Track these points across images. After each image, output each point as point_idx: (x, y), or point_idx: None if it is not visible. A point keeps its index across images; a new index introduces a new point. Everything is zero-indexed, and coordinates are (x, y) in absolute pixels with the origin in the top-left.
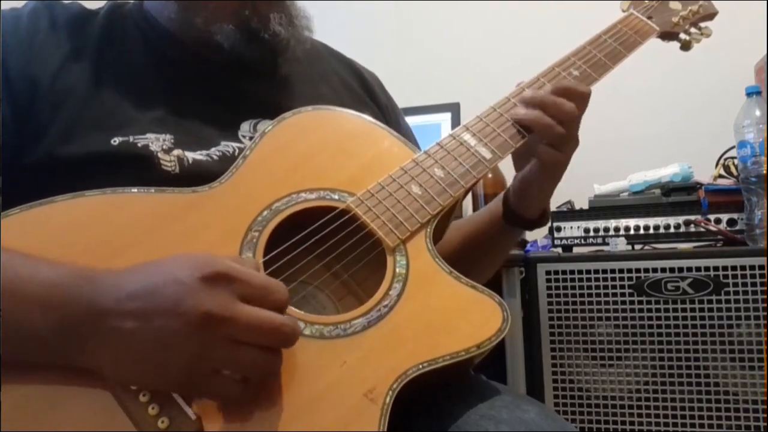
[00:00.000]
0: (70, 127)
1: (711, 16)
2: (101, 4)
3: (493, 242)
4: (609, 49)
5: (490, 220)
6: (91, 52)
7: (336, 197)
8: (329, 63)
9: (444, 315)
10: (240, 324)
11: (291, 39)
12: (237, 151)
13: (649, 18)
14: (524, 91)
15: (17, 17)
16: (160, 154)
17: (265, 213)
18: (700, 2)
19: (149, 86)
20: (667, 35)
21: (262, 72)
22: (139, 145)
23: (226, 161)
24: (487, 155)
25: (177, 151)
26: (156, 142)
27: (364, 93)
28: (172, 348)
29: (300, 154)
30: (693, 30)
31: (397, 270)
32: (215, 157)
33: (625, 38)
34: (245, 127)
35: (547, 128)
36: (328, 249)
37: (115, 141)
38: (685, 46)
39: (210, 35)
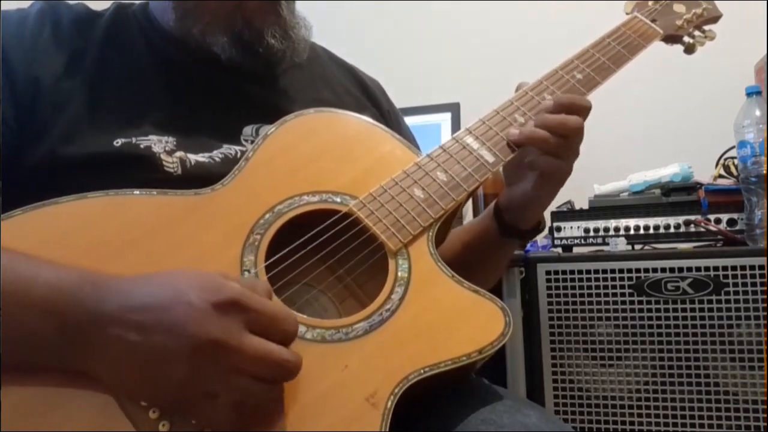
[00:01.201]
0: (72, 128)
1: (715, 19)
2: (107, 4)
3: (489, 254)
4: (612, 53)
5: (485, 234)
6: (94, 54)
7: (338, 200)
8: (330, 68)
9: (446, 319)
10: (245, 355)
11: (287, 51)
12: (239, 153)
13: (653, 21)
14: (527, 94)
15: (24, 18)
16: (162, 156)
17: (267, 216)
18: (705, 5)
19: (152, 88)
20: (671, 38)
21: (264, 76)
22: (141, 146)
23: (229, 163)
24: (490, 158)
25: (179, 153)
26: (158, 143)
27: (366, 98)
28: (168, 366)
29: (302, 157)
30: (697, 33)
31: (399, 274)
32: (217, 159)
33: (628, 41)
34: (247, 131)
35: (544, 142)
36: (331, 252)
37: (118, 142)
38: (689, 50)
39: (208, 46)
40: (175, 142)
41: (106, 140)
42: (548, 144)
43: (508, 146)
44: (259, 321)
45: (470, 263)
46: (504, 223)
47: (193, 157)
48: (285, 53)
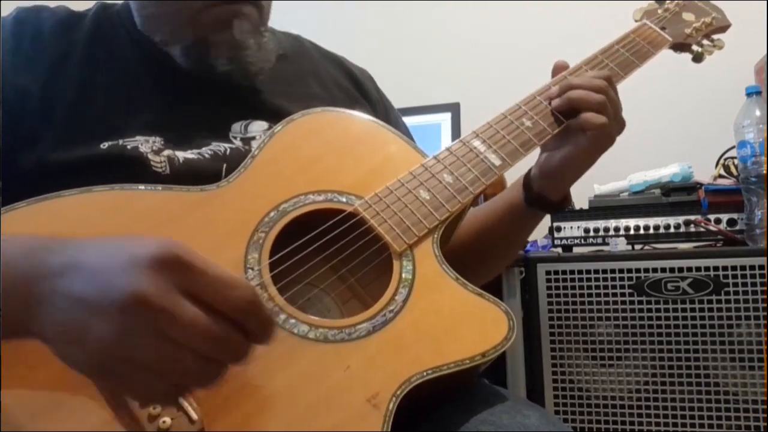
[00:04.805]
0: (60, 134)
1: (723, 28)
2: (91, 4)
3: (511, 228)
4: (621, 59)
5: (510, 207)
6: (78, 57)
7: (344, 200)
8: (319, 61)
9: (449, 322)
10: (172, 318)
11: (232, 73)
12: (229, 150)
13: (662, 29)
14: (535, 98)
15: (1, 26)
16: (150, 156)
17: (272, 214)
18: (713, 14)
19: (138, 88)
20: (680, 46)
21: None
22: (128, 147)
23: (218, 160)
24: (497, 162)
25: (167, 152)
26: (145, 144)
27: (355, 89)
28: (92, 321)
29: (308, 156)
30: (705, 42)
31: (404, 275)
32: (207, 155)
33: (637, 48)
34: (236, 128)
35: (601, 104)
36: (335, 252)
37: (104, 145)
38: (698, 58)
39: (170, 55)
40: (162, 141)
41: (93, 144)
42: (591, 100)
43: (519, 147)
44: (201, 283)
45: (491, 238)
46: (532, 192)
47: (181, 155)
48: (231, 75)
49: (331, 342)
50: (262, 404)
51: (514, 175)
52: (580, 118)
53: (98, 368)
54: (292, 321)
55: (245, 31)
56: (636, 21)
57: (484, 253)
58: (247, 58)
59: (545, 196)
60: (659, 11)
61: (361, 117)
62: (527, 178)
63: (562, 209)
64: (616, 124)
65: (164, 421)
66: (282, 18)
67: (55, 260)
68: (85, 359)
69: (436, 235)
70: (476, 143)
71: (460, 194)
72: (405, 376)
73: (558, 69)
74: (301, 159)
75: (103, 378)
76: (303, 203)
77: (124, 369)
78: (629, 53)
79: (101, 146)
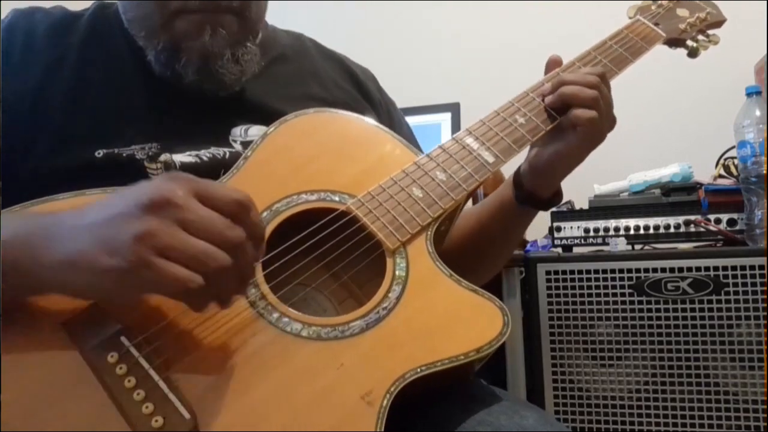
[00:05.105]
0: (56, 142)
1: (719, 23)
2: (88, 4)
3: (504, 226)
4: (614, 55)
5: (502, 205)
6: (74, 60)
7: (336, 199)
8: (319, 61)
9: (443, 318)
10: (192, 212)
11: (201, 83)
12: (228, 154)
13: (656, 24)
14: (528, 95)
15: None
16: (145, 162)
17: (265, 214)
18: (708, 9)
19: (134, 92)
20: (674, 42)
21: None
22: (124, 155)
23: (216, 164)
24: (490, 159)
25: (164, 156)
26: (141, 151)
27: (356, 90)
28: (122, 225)
29: (301, 156)
30: (700, 37)
31: (397, 272)
32: (205, 158)
33: (631, 44)
34: (236, 132)
35: (593, 100)
36: (328, 250)
37: (99, 153)
38: (692, 54)
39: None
40: (158, 146)
41: (88, 152)
42: (583, 95)
43: (512, 144)
44: (207, 189)
45: (487, 237)
46: (523, 190)
47: (178, 158)
48: (199, 86)
49: (324, 340)
50: (256, 403)
51: (510, 171)
52: (570, 114)
53: (136, 265)
54: (285, 319)
55: (221, 40)
56: (630, 18)
57: (479, 252)
58: (219, 69)
59: (536, 193)
60: (653, 8)
61: (354, 117)
62: (517, 175)
63: (554, 206)
64: (607, 121)
65: (156, 420)
66: (282, 18)
67: (66, 215)
68: (119, 262)
69: (429, 233)
70: (469, 141)
71: (453, 191)
72: (399, 372)
73: (551, 64)
74: (294, 159)
75: (140, 277)
76: (296, 203)
77: (159, 262)
78: (622, 49)
79: (96, 154)
